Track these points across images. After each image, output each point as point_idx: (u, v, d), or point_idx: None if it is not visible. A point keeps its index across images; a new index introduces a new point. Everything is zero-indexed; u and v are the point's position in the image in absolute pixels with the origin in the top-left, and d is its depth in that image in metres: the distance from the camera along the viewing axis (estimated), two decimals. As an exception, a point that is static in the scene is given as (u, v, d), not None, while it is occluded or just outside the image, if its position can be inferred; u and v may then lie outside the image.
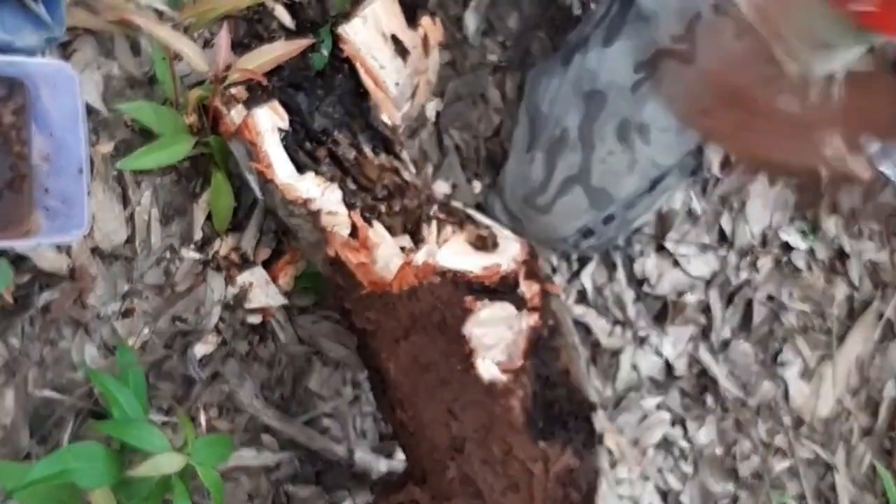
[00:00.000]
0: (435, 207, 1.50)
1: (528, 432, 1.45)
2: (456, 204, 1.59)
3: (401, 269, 1.41)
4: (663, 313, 2.32)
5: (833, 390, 2.62)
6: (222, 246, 1.68)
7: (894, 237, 2.68)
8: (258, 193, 1.53)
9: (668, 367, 2.33)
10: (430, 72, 1.80)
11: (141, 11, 1.53)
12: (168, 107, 1.56)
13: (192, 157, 1.62)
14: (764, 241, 2.44)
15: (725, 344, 2.41)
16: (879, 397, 2.73)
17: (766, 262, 2.44)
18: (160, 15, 1.58)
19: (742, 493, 2.49)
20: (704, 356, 2.36)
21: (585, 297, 2.19)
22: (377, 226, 1.47)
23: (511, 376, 1.44)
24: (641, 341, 2.28)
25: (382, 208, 1.51)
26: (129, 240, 1.62)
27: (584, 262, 2.17)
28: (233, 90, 1.51)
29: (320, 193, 1.47)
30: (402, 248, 1.46)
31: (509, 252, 1.47)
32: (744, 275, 2.40)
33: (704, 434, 2.39)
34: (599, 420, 1.54)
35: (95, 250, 1.59)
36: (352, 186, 1.53)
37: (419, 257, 1.41)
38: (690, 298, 2.32)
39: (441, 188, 1.94)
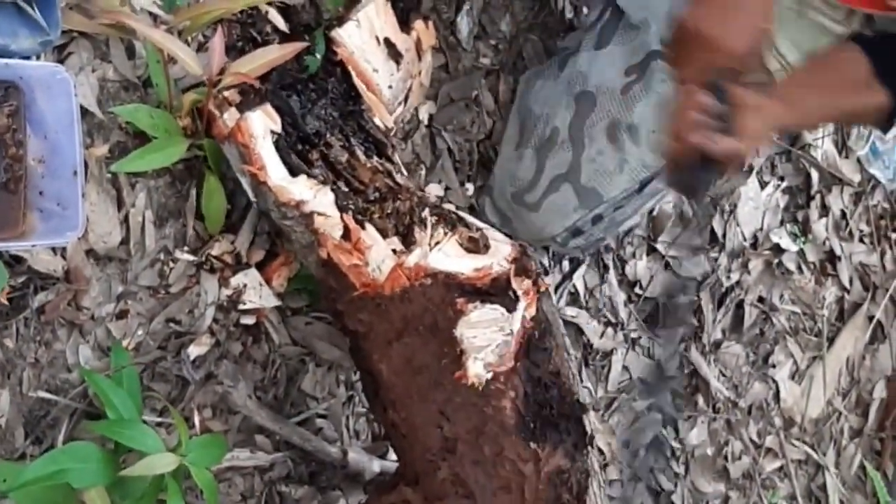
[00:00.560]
0: (427, 210, 1.50)
1: (519, 433, 1.45)
2: (448, 206, 1.60)
3: (393, 270, 1.42)
4: (655, 315, 2.33)
5: (823, 391, 2.63)
6: (216, 248, 1.68)
7: (885, 239, 2.69)
8: (251, 196, 1.54)
9: (660, 369, 2.34)
10: (423, 75, 1.81)
11: (136, 15, 1.54)
12: (162, 110, 1.57)
13: (187, 160, 1.63)
14: (755, 244, 2.46)
15: (717, 345, 2.42)
16: (869, 398, 2.75)
17: (757, 265, 2.46)
18: (155, 18, 1.59)
19: (733, 493, 2.50)
20: (696, 357, 2.37)
21: (577, 298, 2.20)
22: (369, 228, 1.47)
23: (503, 378, 1.45)
24: (633, 343, 2.29)
25: (375, 211, 1.52)
26: (124, 242, 1.63)
27: (575, 263, 2.18)
28: (226, 93, 1.52)
29: (313, 196, 1.48)
30: (394, 251, 1.47)
31: (501, 253, 1.48)
32: (735, 277, 2.42)
33: (696, 435, 2.41)
34: (591, 421, 1.55)
35: (90, 252, 1.60)
36: (344, 189, 1.54)
37: (411, 259, 1.42)
38: (682, 300, 2.33)
39: (434, 190, 1.95)
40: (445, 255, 1.43)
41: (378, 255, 1.44)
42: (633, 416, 2.31)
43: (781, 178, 2.48)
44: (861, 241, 2.65)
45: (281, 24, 1.65)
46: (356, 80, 1.66)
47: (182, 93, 1.59)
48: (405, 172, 1.68)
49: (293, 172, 1.50)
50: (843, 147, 2.56)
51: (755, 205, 2.43)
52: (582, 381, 2.19)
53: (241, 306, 1.69)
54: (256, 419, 1.72)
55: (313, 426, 1.84)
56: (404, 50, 1.73)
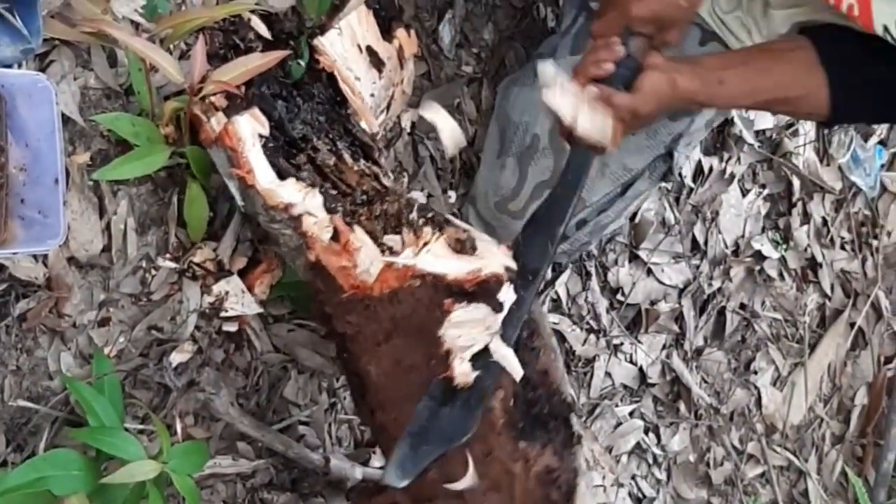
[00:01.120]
0: (415, 212, 1.51)
1: (508, 433, 1.46)
2: (435, 208, 1.60)
3: (382, 271, 1.42)
4: (637, 322, 2.34)
5: (805, 398, 2.64)
6: (198, 255, 1.68)
7: (866, 246, 2.70)
8: (239, 200, 1.54)
9: (642, 375, 2.34)
10: (406, 83, 1.82)
11: (117, 23, 1.54)
12: (144, 118, 1.57)
13: (169, 168, 1.63)
14: (737, 251, 2.47)
15: (699, 352, 2.43)
16: (851, 405, 2.76)
17: (738, 272, 2.47)
18: (137, 27, 1.59)
19: (715, 499, 2.51)
20: (678, 364, 2.38)
21: (560, 305, 2.21)
22: (358, 230, 1.48)
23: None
24: (615, 349, 2.30)
25: (363, 213, 1.52)
26: (106, 249, 1.63)
27: (558, 271, 2.19)
28: (213, 98, 1.52)
29: (301, 199, 1.48)
30: (383, 251, 1.47)
31: (492, 256, 1.47)
32: (717, 284, 2.42)
33: (678, 441, 2.41)
34: (578, 421, 1.56)
35: (72, 260, 1.60)
36: (332, 192, 1.54)
37: (400, 260, 1.42)
38: (664, 307, 2.34)
39: (417, 198, 1.95)
40: (435, 257, 1.43)
41: (367, 257, 1.44)
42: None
43: (763, 186, 2.49)
44: (842, 248, 2.67)
45: (263, 31, 1.65)
46: (342, 85, 1.66)
47: (164, 101, 1.59)
48: (391, 176, 1.68)
49: (281, 176, 1.50)
50: (824, 155, 2.58)
51: (737, 212, 2.44)
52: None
53: (223, 313, 1.69)
54: (239, 426, 1.72)
55: (295, 433, 1.84)
56: (386, 58, 1.74)
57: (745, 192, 2.46)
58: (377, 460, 1.87)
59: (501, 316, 1.39)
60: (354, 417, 1.92)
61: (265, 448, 1.79)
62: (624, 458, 2.35)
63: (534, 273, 1.45)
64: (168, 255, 1.68)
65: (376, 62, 1.72)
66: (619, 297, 2.28)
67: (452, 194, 2.01)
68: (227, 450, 1.77)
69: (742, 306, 2.49)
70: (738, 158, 2.41)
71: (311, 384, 1.87)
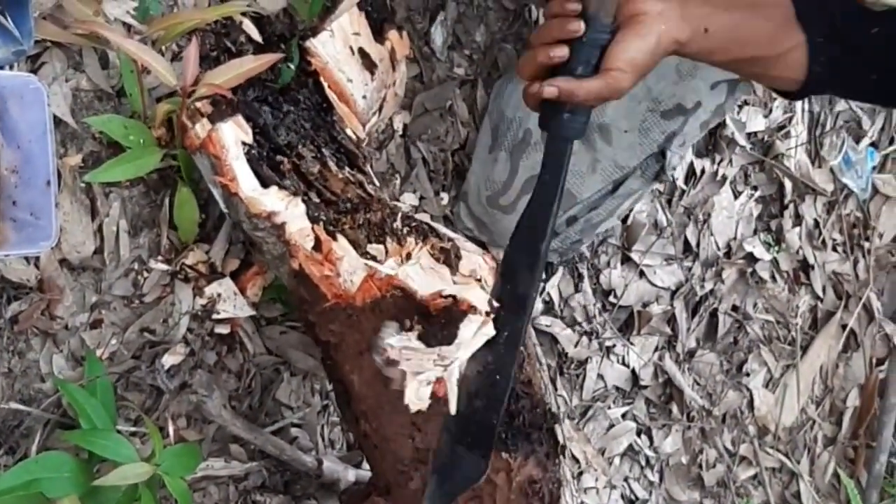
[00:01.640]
0: (398, 220, 1.51)
1: (491, 443, 1.46)
2: (420, 216, 1.60)
3: (363, 281, 1.42)
4: (629, 323, 2.34)
5: (797, 400, 2.64)
6: (190, 257, 1.68)
7: (858, 248, 2.71)
8: (223, 207, 1.54)
9: (634, 377, 2.35)
10: (398, 85, 1.82)
11: (109, 25, 1.54)
12: (136, 120, 1.57)
13: (161, 170, 1.63)
14: (729, 253, 2.47)
15: (691, 354, 2.43)
16: (843, 406, 2.76)
17: (730, 273, 2.47)
18: (129, 28, 1.59)
19: (707, 501, 2.51)
20: (670, 366, 2.38)
21: (552, 307, 2.21)
22: (341, 239, 1.48)
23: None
24: (608, 351, 2.30)
25: (346, 221, 1.52)
26: (98, 251, 1.63)
27: (550, 272, 2.19)
28: (198, 104, 1.52)
29: (284, 207, 1.48)
30: (374, 258, 1.47)
31: (472, 290, 1.46)
32: (709, 286, 2.43)
33: (670, 443, 2.42)
34: (564, 430, 1.55)
35: (64, 262, 1.60)
36: (316, 200, 1.54)
37: (383, 270, 1.42)
38: (656, 309, 2.34)
39: (408, 200, 1.96)
40: (418, 270, 1.43)
41: (349, 266, 1.44)
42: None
43: (755, 188, 2.50)
44: (834, 249, 2.67)
45: (255, 34, 1.65)
46: (328, 92, 1.66)
47: (156, 103, 1.59)
48: (377, 183, 1.68)
49: (264, 184, 1.50)
50: (816, 157, 2.58)
51: (728, 214, 2.44)
52: (557, 389, 2.20)
53: (215, 316, 1.69)
54: (231, 429, 1.72)
55: (288, 435, 1.84)
56: (378, 60, 1.74)
57: (736, 194, 2.46)
58: (367, 464, 1.87)
59: (458, 346, 1.36)
60: (346, 421, 1.92)
61: (258, 450, 1.79)
62: (616, 460, 2.35)
63: (523, 299, 1.37)
64: (160, 258, 1.68)
65: (368, 64, 1.73)
66: (611, 298, 2.28)
67: (445, 196, 2.01)
68: (220, 452, 1.77)
69: (734, 308, 2.49)
70: (730, 160, 2.42)
71: (304, 386, 1.87)
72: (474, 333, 1.36)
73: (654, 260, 2.33)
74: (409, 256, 1.46)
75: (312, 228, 1.47)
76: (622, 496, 2.36)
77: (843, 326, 2.71)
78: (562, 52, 1.27)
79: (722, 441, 2.51)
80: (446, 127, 2.01)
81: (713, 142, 2.39)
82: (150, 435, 1.54)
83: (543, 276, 2.17)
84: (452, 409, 1.38)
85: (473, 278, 1.45)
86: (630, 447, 2.36)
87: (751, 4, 1.41)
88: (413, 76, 1.97)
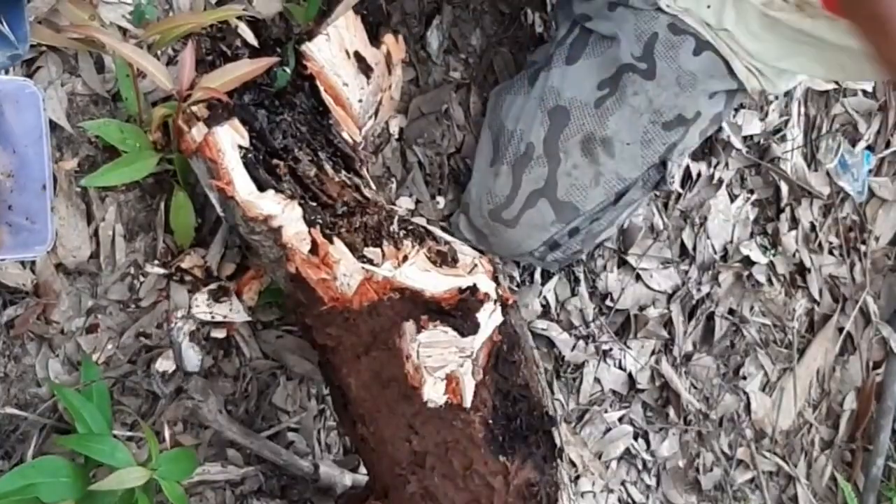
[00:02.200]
0: (395, 223, 1.51)
1: (488, 447, 1.46)
2: (416, 220, 1.60)
3: (361, 284, 1.42)
4: (626, 327, 2.34)
5: (794, 403, 2.64)
6: (186, 261, 1.68)
7: (854, 251, 2.71)
8: (219, 210, 1.54)
9: (631, 381, 2.35)
10: (394, 89, 1.82)
11: (105, 29, 1.54)
12: (132, 124, 1.57)
13: (157, 174, 1.63)
14: (725, 256, 2.47)
15: (687, 357, 2.43)
16: (840, 410, 2.76)
17: (727, 277, 2.47)
18: (124, 32, 1.59)
19: (705, 505, 2.51)
20: (667, 369, 2.38)
21: (549, 311, 2.21)
22: (338, 242, 1.47)
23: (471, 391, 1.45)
24: (604, 355, 2.30)
25: (343, 225, 1.52)
26: (94, 255, 1.63)
27: (547, 276, 2.19)
28: (194, 108, 1.52)
29: (280, 211, 1.48)
30: (370, 261, 1.47)
31: (478, 277, 1.47)
32: (705, 289, 2.43)
33: (667, 447, 2.41)
34: (561, 433, 1.55)
35: (59, 266, 1.60)
36: (312, 203, 1.54)
37: (380, 272, 1.42)
38: (653, 312, 2.34)
39: (405, 204, 1.96)
40: (416, 271, 1.43)
41: (346, 270, 1.44)
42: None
43: (751, 191, 2.50)
44: (830, 253, 2.67)
45: (251, 38, 1.65)
46: (324, 95, 1.66)
47: (152, 107, 1.59)
48: (374, 187, 1.68)
49: (261, 187, 1.50)
50: (812, 160, 2.58)
51: (725, 218, 2.45)
52: (553, 393, 2.20)
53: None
54: (227, 433, 1.72)
55: (284, 440, 1.84)
56: (374, 64, 1.74)
57: (733, 198, 2.46)
58: (364, 468, 1.87)
59: (476, 338, 1.37)
60: (342, 425, 1.92)
61: (254, 455, 1.78)
62: (613, 464, 2.35)
63: None
64: (156, 262, 1.67)
65: (364, 68, 1.72)
66: (607, 302, 2.28)
67: (441, 200, 2.01)
68: (216, 457, 1.77)
69: (731, 312, 2.49)
70: (726, 164, 2.42)
71: (300, 391, 1.86)
72: (488, 320, 1.37)
73: (650, 263, 2.33)
74: (405, 259, 1.46)
75: (309, 232, 1.47)
76: (619, 500, 2.36)
77: (840, 330, 2.71)
78: None
79: (719, 444, 2.51)
80: (442, 131, 2.01)
81: (709, 145, 2.39)
82: (146, 439, 1.54)
83: (540, 280, 2.18)
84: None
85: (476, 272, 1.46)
86: (627, 451, 2.36)
87: None
88: (409, 80, 1.97)
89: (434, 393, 1.39)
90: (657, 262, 2.34)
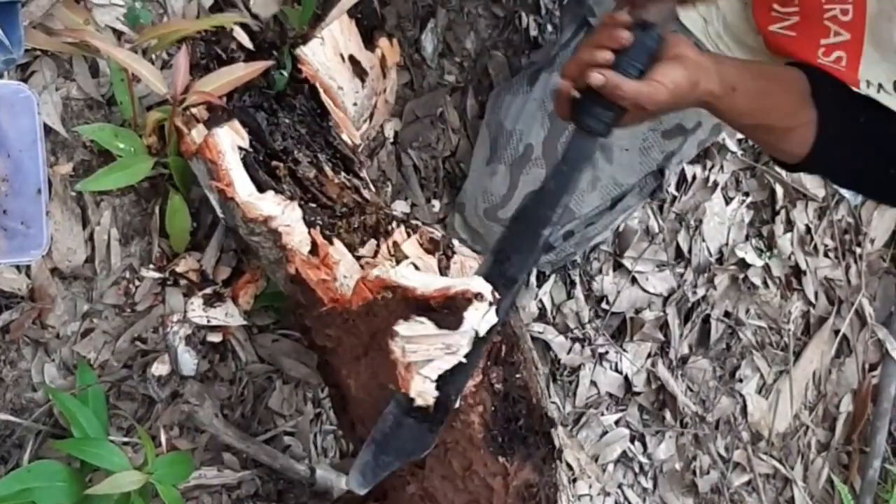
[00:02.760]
0: (394, 223, 1.51)
1: (487, 448, 1.46)
2: (414, 221, 1.60)
3: (357, 284, 1.42)
4: (622, 330, 2.34)
5: (790, 405, 2.64)
6: (181, 265, 1.68)
7: (849, 254, 2.71)
8: (219, 212, 1.54)
9: (627, 384, 2.35)
10: (388, 92, 1.82)
11: (100, 33, 1.54)
12: (127, 128, 1.57)
13: (152, 178, 1.62)
14: (721, 259, 2.47)
15: (684, 360, 2.43)
16: (836, 412, 2.76)
17: (723, 280, 2.47)
18: (119, 37, 1.59)
19: (701, 507, 2.51)
20: (663, 372, 2.38)
21: (545, 314, 2.21)
22: (337, 243, 1.48)
23: (470, 392, 1.45)
24: (600, 358, 2.30)
25: (342, 226, 1.52)
26: (89, 260, 1.63)
27: (542, 279, 2.19)
28: (193, 110, 1.52)
29: (280, 212, 1.48)
30: (360, 263, 1.48)
31: (470, 280, 1.47)
32: (701, 292, 2.43)
33: (664, 450, 2.41)
34: (559, 435, 1.55)
35: (55, 270, 1.60)
36: (312, 205, 1.54)
37: (373, 272, 1.42)
38: (649, 315, 2.34)
39: (400, 207, 1.95)
40: (410, 270, 1.43)
41: (346, 271, 1.44)
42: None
43: (746, 194, 2.50)
44: (826, 255, 2.67)
45: (246, 42, 1.65)
46: (323, 97, 1.66)
47: (146, 111, 1.59)
48: (373, 188, 1.68)
49: (261, 188, 1.50)
50: (806, 162, 2.58)
51: (720, 220, 2.45)
52: (550, 396, 2.20)
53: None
54: (223, 437, 1.71)
55: (281, 444, 1.84)
56: (369, 67, 1.74)
57: (728, 200, 2.46)
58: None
59: (463, 334, 1.36)
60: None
61: (250, 459, 1.78)
62: (610, 467, 2.34)
63: (512, 281, 1.37)
64: (152, 266, 1.67)
65: (359, 71, 1.73)
66: (603, 305, 2.28)
67: (436, 203, 2.01)
68: (213, 461, 1.77)
69: (726, 314, 2.49)
70: (722, 167, 2.42)
71: (296, 394, 1.86)
72: (480, 320, 1.36)
73: (646, 266, 2.33)
74: (395, 245, 1.46)
75: (309, 233, 1.47)
76: (616, 503, 2.36)
77: (836, 332, 2.71)
78: (609, 56, 1.28)
79: (715, 447, 2.51)
80: (437, 134, 2.01)
81: (704, 149, 2.39)
82: (142, 443, 1.54)
83: (535, 281, 2.18)
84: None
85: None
86: (624, 454, 2.36)
87: (775, 76, 1.45)
88: (403, 83, 1.97)
89: (421, 390, 1.38)
90: (653, 264, 2.35)
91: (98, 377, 1.62)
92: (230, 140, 1.50)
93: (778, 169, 2.50)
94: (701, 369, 2.46)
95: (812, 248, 2.63)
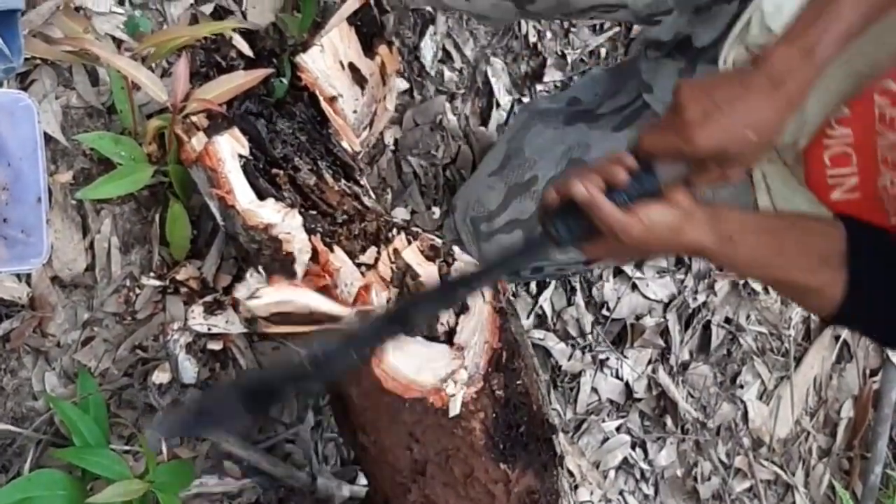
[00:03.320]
0: (394, 230, 1.51)
1: (489, 454, 1.46)
2: (414, 228, 1.60)
3: (359, 291, 1.42)
4: (622, 336, 2.34)
5: (791, 411, 2.64)
6: (182, 273, 1.68)
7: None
8: (219, 220, 1.54)
9: (628, 390, 2.34)
10: (388, 99, 1.82)
11: (99, 42, 1.54)
12: (127, 136, 1.57)
13: (151, 186, 1.62)
14: (721, 265, 2.47)
15: (684, 366, 2.43)
16: (837, 418, 2.76)
17: (723, 285, 2.47)
18: (119, 45, 1.59)
19: (703, 514, 2.51)
20: (664, 378, 2.38)
21: (545, 321, 2.21)
22: (338, 251, 1.48)
23: (472, 399, 1.45)
24: (601, 364, 2.30)
25: (342, 233, 1.52)
26: (89, 268, 1.63)
27: (542, 286, 2.19)
28: (194, 118, 1.52)
29: (281, 219, 1.48)
30: (360, 270, 1.48)
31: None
32: (701, 298, 2.43)
33: (665, 456, 2.41)
34: (560, 442, 1.55)
35: (55, 279, 1.59)
36: (312, 212, 1.54)
37: (375, 280, 1.42)
38: (649, 321, 2.34)
39: (400, 214, 1.95)
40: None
41: (347, 277, 1.44)
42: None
43: (746, 199, 2.50)
44: (826, 260, 2.67)
45: (246, 49, 1.65)
46: (323, 105, 1.66)
47: (146, 119, 1.59)
48: (373, 195, 1.68)
49: (261, 196, 1.50)
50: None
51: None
52: (551, 403, 2.20)
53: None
54: (224, 445, 1.71)
55: (282, 451, 1.83)
56: (369, 75, 1.74)
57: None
58: (364, 478, 1.86)
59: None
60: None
61: (251, 467, 1.78)
62: (611, 474, 2.34)
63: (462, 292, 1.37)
64: (152, 274, 1.67)
65: (359, 79, 1.73)
66: (604, 311, 2.28)
67: (436, 210, 2.01)
68: (214, 469, 1.76)
69: (727, 320, 2.49)
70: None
71: (297, 402, 1.86)
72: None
73: (646, 273, 2.33)
74: (396, 252, 1.46)
75: (309, 240, 1.47)
76: (618, 509, 2.36)
77: (836, 338, 2.71)
78: (601, 183, 1.23)
79: (717, 453, 2.51)
80: (437, 141, 2.01)
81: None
82: (143, 452, 1.53)
83: (536, 290, 2.18)
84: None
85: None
86: (625, 460, 2.36)
87: (790, 231, 1.34)
88: (403, 91, 1.97)
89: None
90: (653, 271, 2.35)
91: (99, 385, 1.61)
92: (230, 148, 1.50)
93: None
94: (702, 375, 2.46)
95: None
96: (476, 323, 1.50)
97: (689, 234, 1.25)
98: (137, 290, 1.67)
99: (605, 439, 2.32)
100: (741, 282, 2.50)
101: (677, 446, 2.43)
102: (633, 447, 2.37)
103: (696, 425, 2.45)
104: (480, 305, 1.52)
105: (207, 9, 1.71)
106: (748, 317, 2.53)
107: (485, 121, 2.06)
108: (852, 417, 2.78)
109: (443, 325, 1.50)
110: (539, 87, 2.15)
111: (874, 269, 1.32)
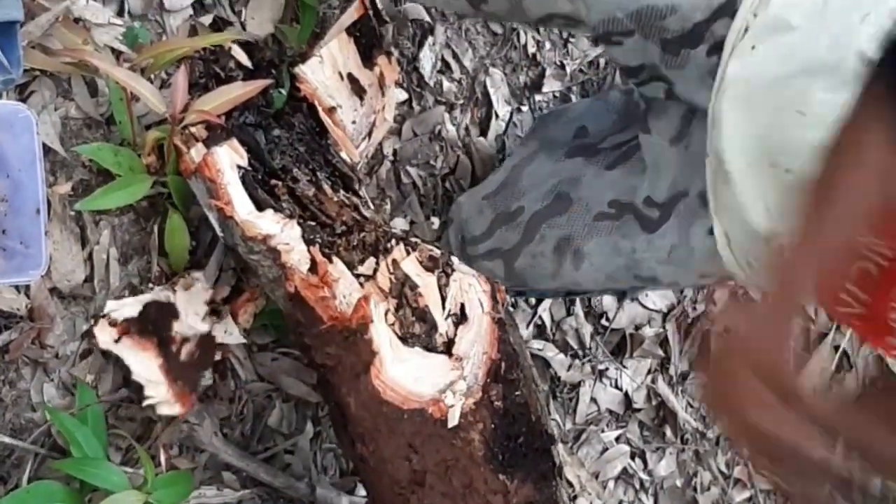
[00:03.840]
0: (393, 240, 1.51)
1: (488, 465, 1.46)
2: (413, 238, 1.60)
3: (358, 303, 1.42)
4: (622, 347, 2.34)
5: (791, 421, 2.64)
6: (181, 284, 1.68)
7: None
8: (218, 231, 1.54)
9: (628, 400, 2.34)
10: (387, 110, 1.82)
11: (98, 53, 1.54)
12: (126, 147, 1.57)
13: (150, 197, 1.62)
14: (720, 274, 2.47)
15: (684, 376, 2.43)
16: (837, 428, 2.76)
17: (722, 295, 2.47)
18: (118, 56, 1.59)
19: (703, 524, 2.51)
20: (663, 389, 2.37)
21: (544, 331, 2.20)
22: (336, 261, 1.48)
23: (470, 410, 1.45)
24: (600, 375, 2.30)
25: (341, 244, 1.52)
26: (88, 279, 1.63)
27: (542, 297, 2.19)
28: (192, 129, 1.52)
29: (280, 230, 1.48)
30: (359, 281, 1.48)
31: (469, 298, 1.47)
32: (701, 307, 2.43)
33: (664, 466, 2.41)
34: (559, 453, 1.55)
35: (54, 290, 1.59)
36: (311, 223, 1.54)
37: (372, 293, 1.43)
38: (648, 332, 2.34)
39: (399, 225, 1.95)
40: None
41: (345, 288, 1.44)
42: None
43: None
44: (825, 271, 2.67)
45: (245, 60, 1.65)
46: (322, 116, 1.66)
47: (145, 130, 1.59)
48: (372, 206, 1.69)
49: (260, 207, 1.50)
50: (805, 178, 2.58)
51: (719, 236, 2.45)
52: (550, 413, 2.20)
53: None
54: (223, 456, 1.71)
55: (281, 462, 1.83)
56: (367, 85, 1.74)
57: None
58: (363, 489, 1.86)
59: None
60: (339, 446, 1.91)
61: (250, 478, 1.78)
62: (611, 484, 2.34)
63: None
64: (151, 285, 1.67)
65: (358, 89, 1.73)
66: (603, 322, 2.28)
67: (436, 221, 2.01)
68: (212, 480, 1.76)
69: (727, 330, 2.49)
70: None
71: (296, 413, 1.86)
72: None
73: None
74: (395, 263, 1.47)
75: (308, 251, 1.47)
76: (617, 520, 2.35)
77: (836, 348, 2.70)
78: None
79: (716, 463, 2.50)
80: (436, 151, 2.01)
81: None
82: (141, 463, 1.53)
83: (535, 300, 2.18)
84: None
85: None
86: (624, 470, 2.36)
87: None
88: (402, 101, 1.97)
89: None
90: (652, 281, 2.35)
91: (97, 397, 1.61)
92: (229, 159, 1.50)
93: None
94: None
95: (811, 263, 2.63)
96: (475, 334, 1.51)
97: None
98: (136, 301, 1.67)
99: (605, 450, 2.32)
100: (740, 291, 2.49)
101: (677, 456, 2.43)
102: (632, 457, 2.37)
103: (695, 435, 2.45)
104: (479, 316, 1.52)
105: (206, 20, 1.72)
106: (748, 327, 2.53)
107: (484, 131, 2.06)
108: (852, 427, 2.77)
109: (441, 336, 1.50)
110: (538, 97, 2.14)
111: None
